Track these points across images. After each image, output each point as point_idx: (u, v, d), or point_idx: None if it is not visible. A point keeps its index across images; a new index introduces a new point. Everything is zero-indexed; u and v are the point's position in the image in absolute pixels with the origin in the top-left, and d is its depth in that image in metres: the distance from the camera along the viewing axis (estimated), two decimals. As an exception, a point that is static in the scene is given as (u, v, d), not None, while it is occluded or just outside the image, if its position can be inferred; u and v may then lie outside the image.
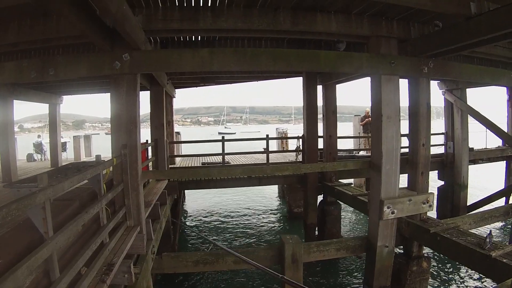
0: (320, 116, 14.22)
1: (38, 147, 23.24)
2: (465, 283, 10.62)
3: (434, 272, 11.10)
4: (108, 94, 7.59)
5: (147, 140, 11.83)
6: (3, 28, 7.44)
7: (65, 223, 4.37)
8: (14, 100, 14.12)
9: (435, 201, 9.30)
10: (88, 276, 4.47)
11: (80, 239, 5.20)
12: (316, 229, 14.15)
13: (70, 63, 7.04)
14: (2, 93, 13.06)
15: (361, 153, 18.04)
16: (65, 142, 24.39)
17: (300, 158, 15.61)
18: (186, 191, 21.66)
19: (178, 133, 22.78)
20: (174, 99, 19.49)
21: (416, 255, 8.83)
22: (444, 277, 11.10)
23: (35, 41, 7.91)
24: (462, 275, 11.14)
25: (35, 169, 15.72)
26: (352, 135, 21.09)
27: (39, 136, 25.36)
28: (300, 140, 14.95)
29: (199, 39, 10.26)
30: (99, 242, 5.24)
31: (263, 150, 15.55)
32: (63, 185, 4.29)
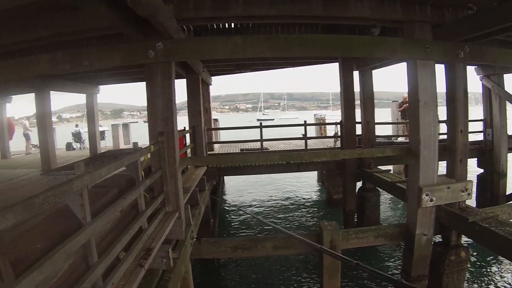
0: (357, 102, 14.07)
1: (77, 136, 23.81)
2: (503, 275, 10.39)
3: (473, 263, 10.89)
4: (144, 83, 7.68)
5: (184, 127, 11.93)
6: (35, 22, 7.58)
7: (103, 209, 4.45)
8: (52, 91, 14.47)
9: (474, 189, 9.08)
10: (126, 260, 4.54)
11: (118, 225, 5.28)
12: (355, 216, 14.08)
13: (104, 54, 7.15)
14: (39, 85, 13.43)
15: (400, 139, 17.70)
16: (104, 131, 24.87)
17: (338, 144, 15.52)
18: (225, 177, 21.83)
19: (216, 120, 22.94)
20: (210, 86, 19.57)
21: (455, 244, 8.62)
22: (482, 268, 10.87)
23: (68, 34, 7.99)
24: (501, 266, 10.90)
25: (74, 158, 16.11)
26: (390, 121, 20.77)
27: (76, 126, 26.04)
28: (338, 126, 14.85)
29: (232, 26, 10.24)
30: (137, 228, 5.31)
31: (301, 136, 15.52)
32: (100, 172, 4.36)
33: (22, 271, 2.81)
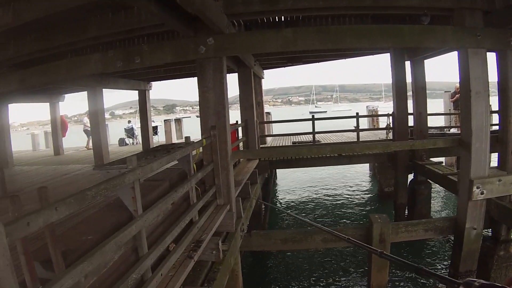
0: (409, 93, 13.86)
1: (129, 131, 24.40)
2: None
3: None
4: (195, 78, 7.85)
5: (237, 121, 12.09)
6: (85, 23, 7.90)
7: (155, 202, 4.58)
8: (104, 89, 14.93)
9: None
10: (176, 252, 4.69)
11: (169, 217, 5.46)
12: (406, 209, 13.89)
13: (155, 51, 7.40)
14: (91, 83, 13.94)
15: (452, 130, 17.29)
16: (156, 126, 25.46)
17: (390, 136, 15.36)
18: (277, 170, 21.93)
19: (268, 113, 23.03)
20: (262, 80, 19.70)
21: (504, 239, 8.38)
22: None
23: (118, 33, 8.30)
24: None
25: (127, 153, 16.58)
26: (443, 112, 20.29)
27: (129, 122, 26.72)
28: (390, 117, 14.69)
29: (282, 19, 10.27)
30: (188, 220, 5.47)
31: (353, 128, 15.44)
32: (152, 166, 4.49)
33: (73, 261, 2.96)
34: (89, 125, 22.86)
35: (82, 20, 7.89)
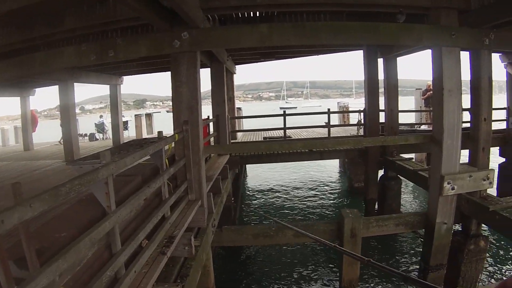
0: (381, 90, 14.03)
1: (100, 126, 24.09)
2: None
3: (492, 252, 10.86)
4: (168, 73, 7.79)
5: (208, 116, 12.05)
6: (61, 15, 7.75)
7: (127, 198, 4.50)
8: (75, 83, 14.70)
9: (495, 179, 9.05)
10: (148, 248, 4.62)
11: (142, 213, 5.38)
12: (376, 204, 14.11)
13: (129, 44, 7.31)
14: (63, 77, 13.68)
15: (423, 127, 17.60)
16: (127, 121, 25.24)
17: (361, 132, 15.53)
18: (247, 165, 21.96)
19: (239, 108, 23.04)
20: (234, 75, 19.70)
21: (474, 234, 8.61)
22: (502, 258, 10.85)
23: (93, 26, 8.13)
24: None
25: (97, 148, 16.48)
26: (414, 109, 20.64)
27: (101, 116, 26.38)
28: (362, 114, 14.85)
29: (257, 15, 10.25)
30: (160, 216, 5.39)
31: (324, 124, 15.54)
32: (125, 161, 4.40)
33: (47, 259, 2.89)
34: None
35: (58, 12, 7.74)
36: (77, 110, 19.43)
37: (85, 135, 24.23)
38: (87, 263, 3.65)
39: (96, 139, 23.78)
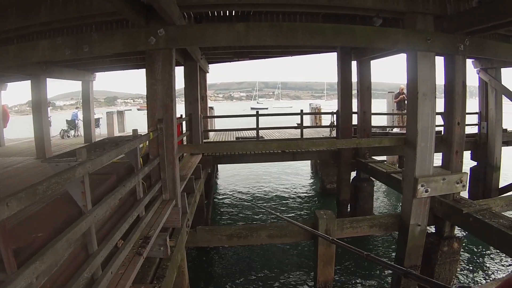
0: (354, 92, 14.14)
1: (72, 123, 23.64)
2: (496, 266, 10.53)
3: (465, 254, 11.04)
4: (141, 70, 7.70)
5: (181, 115, 11.96)
6: (36, 8, 7.54)
7: (103, 197, 4.42)
8: (48, 78, 14.41)
9: (468, 182, 9.19)
10: (125, 249, 4.55)
11: (117, 213, 5.27)
12: (349, 205, 14.21)
13: (105, 40, 7.12)
14: (36, 71, 13.37)
15: (395, 130, 17.85)
16: (98, 118, 24.77)
17: (334, 134, 15.59)
18: (219, 165, 21.90)
19: (211, 108, 23.00)
20: (207, 74, 19.61)
21: (448, 235, 8.74)
22: (475, 260, 11.06)
23: (69, 19, 7.92)
24: (493, 258, 11.07)
25: (69, 145, 16.12)
26: (386, 112, 20.83)
27: (77, 107, 25.86)
28: (334, 115, 14.91)
29: (233, 14, 10.21)
30: (135, 216, 5.30)
31: (297, 125, 15.57)
32: (101, 159, 4.33)
33: (24, 260, 2.82)
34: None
35: (33, 4, 7.54)
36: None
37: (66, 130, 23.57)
38: (64, 264, 3.55)
39: (68, 137, 23.34)
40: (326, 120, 18.11)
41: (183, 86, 13.86)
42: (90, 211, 3.87)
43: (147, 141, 6.95)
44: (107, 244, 4.14)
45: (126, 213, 5.16)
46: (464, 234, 10.87)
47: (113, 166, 6.41)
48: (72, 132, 23.46)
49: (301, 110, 15.58)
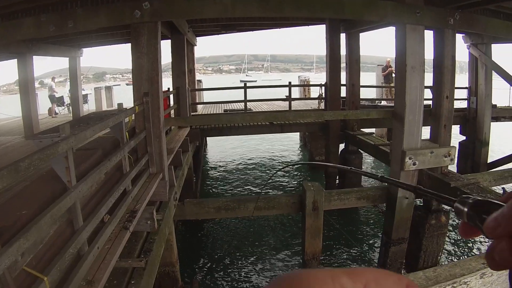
0: (343, 65, 14.08)
1: (60, 100, 23.38)
2: (482, 240, 10.66)
3: (453, 228, 11.15)
4: (129, 45, 7.59)
5: (168, 88, 11.87)
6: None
7: (88, 172, 4.40)
8: (34, 56, 14.20)
9: (456, 156, 9.24)
10: (111, 223, 4.55)
11: (103, 188, 5.27)
12: (337, 178, 14.26)
13: (89, 15, 7.02)
14: (21, 49, 13.12)
15: (383, 103, 17.89)
16: (87, 94, 24.50)
17: (322, 106, 15.59)
18: (208, 138, 21.86)
19: (199, 81, 22.82)
20: (195, 47, 19.41)
21: (436, 209, 8.78)
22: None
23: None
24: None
25: (57, 123, 15.95)
26: (375, 85, 20.82)
27: (52, 78, 25.51)
28: (323, 88, 14.87)
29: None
30: (122, 190, 5.31)
31: (285, 97, 15.53)
32: (85, 134, 4.33)
33: (8, 239, 2.79)
34: (56, 90, 21.82)
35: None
36: (36, 84, 18.69)
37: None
38: (49, 241, 3.57)
39: (56, 114, 23.10)
40: (315, 92, 18.06)
41: (171, 59, 13.69)
42: (75, 186, 3.86)
43: (133, 115, 6.90)
44: (93, 219, 4.16)
45: (113, 188, 5.13)
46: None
47: (99, 141, 6.39)
48: (60, 109, 23.20)
49: (289, 82, 15.51)
